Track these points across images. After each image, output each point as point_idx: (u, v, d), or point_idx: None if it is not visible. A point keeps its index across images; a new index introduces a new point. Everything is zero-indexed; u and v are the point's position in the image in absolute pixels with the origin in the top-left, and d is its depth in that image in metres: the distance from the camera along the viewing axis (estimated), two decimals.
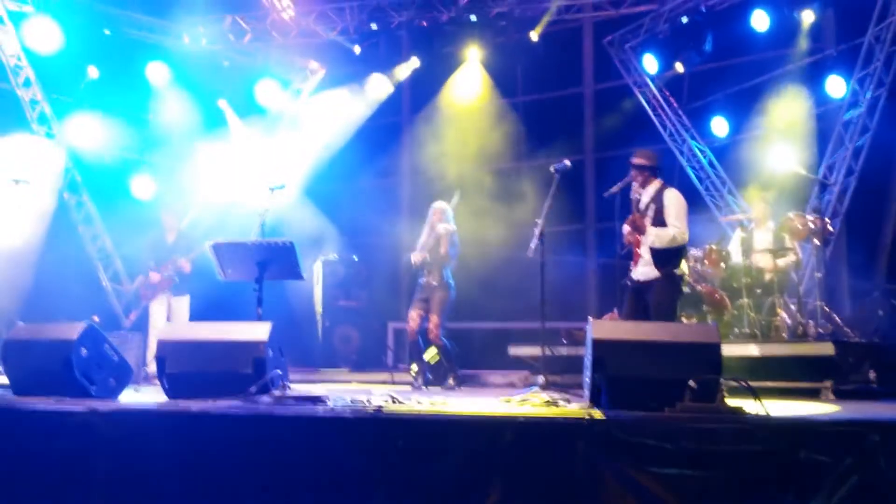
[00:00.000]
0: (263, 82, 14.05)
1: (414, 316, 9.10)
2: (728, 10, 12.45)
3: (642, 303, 7.34)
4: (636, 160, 7.45)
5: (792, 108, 12.57)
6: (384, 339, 12.94)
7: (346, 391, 6.73)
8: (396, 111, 16.75)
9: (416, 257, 9.23)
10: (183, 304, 10.28)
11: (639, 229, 7.22)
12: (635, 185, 7.39)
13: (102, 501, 4.94)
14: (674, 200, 7.22)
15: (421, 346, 9.08)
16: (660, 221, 7.17)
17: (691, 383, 4.51)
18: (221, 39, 13.90)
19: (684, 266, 7.33)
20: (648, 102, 14.12)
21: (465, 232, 9.35)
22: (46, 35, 12.04)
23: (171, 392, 5.83)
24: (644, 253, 7.28)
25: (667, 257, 7.15)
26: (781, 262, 9.50)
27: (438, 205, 9.30)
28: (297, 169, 13.88)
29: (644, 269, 7.30)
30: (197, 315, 10.19)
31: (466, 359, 9.74)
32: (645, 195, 7.38)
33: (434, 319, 8.94)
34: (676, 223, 7.11)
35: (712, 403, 4.52)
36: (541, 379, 7.29)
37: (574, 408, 4.83)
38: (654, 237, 7.10)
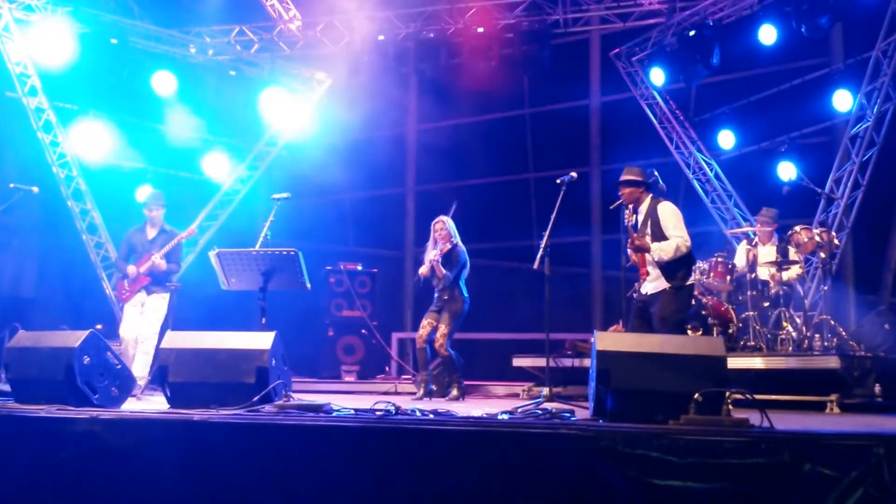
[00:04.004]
0: (270, 92, 14.05)
1: (425, 324, 9.07)
2: (736, 23, 12.47)
3: (648, 317, 7.32)
4: (627, 177, 7.43)
5: (798, 121, 12.60)
6: (388, 348, 12.92)
7: (349, 401, 6.71)
8: (402, 122, 16.80)
9: (422, 269, 9.21)
10: (160, 302, 9.16)
11: (640, 248, 7.19)
12: (627, 212, 7.36)
13: None
14: (668, 211, 7.22)
15: (428, 355, 9.05)
16: (659, 236, 7.15)
17: (696, 396, 4.48)
18: (228, 49, 13.95)
19: (693, 278, 7.31)
20: (655, 115, 14.13)
21: (470, 244, 9.33)
22: (53, 44, 12.08)
23: (173, 401, 5.81)
24: (651, 270, 7.26)
25: (675, 269, 7.14)
26: (786, 275, 9.50)
27: (440, 220, 9.24)
28: (302, 179, 13.89)
29: (652, 284, 7.28)
30: (202, 324, 10.11)
31: (470, 369, 9.72)
32: (639, 213, 7.38)
33: (442, 329, 8.89)
34: (676, 233, 7.10)
35: (717, 416, 4.50)
36: (545, 390, 7.27)
37: (578, 419, 4.80)
38: (658, 252, 7.07)
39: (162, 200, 9.39)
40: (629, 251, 7.38)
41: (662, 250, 7.07)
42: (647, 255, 7.21)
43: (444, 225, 9.14)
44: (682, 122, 14.10)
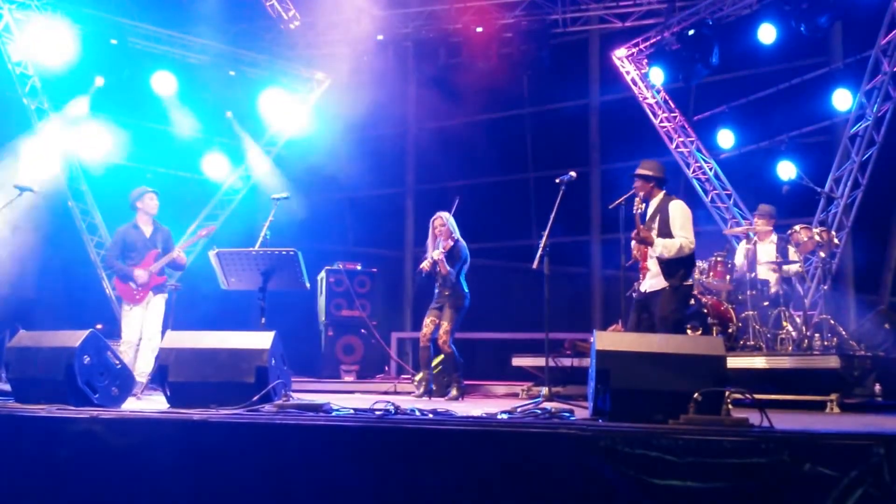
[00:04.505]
0: (269, 92, 14.04)
1: (428, 322, 9.05)
2: (735, 22, 12.49)
3: (647, 315, 7.33)
4: (642, 171, 7.45)
5: (798, 120, 12.60)
6: (387, 348, 12.91)
7: (348, 400, 6.71)
8: (402, 122, 16.79)
9: (425, 264, 9.20)
10: (162, 301, 9.09)
11: (644, 241, 7.20)
12: (637, 200, 7.38)
13: None
14: (679, 211, 7.22)
15: (431, 353, 9.04)
16: (665, 233, 7.16)
17: (696, 395, 4.48)
18: (228, 50, 13.92)
19: (692, 279, 7.35)
20: (654, 114, 14.14)
21: (470, 243, 9.33)
22: (53, 44, 12.07)
23: (173, 400, 5.81)
24: (651, 266, 7.28)
25: (675, 268, 7.16)
26: (787, 267, 9.51)
27: (439, 217, 9.23)
28: (301, 178, 13.90)
29: (652, 282, 7.30)
30: (202, 324, 10.06)
31: (470, 369, 9.72)
32: (650, 207, 7.40)
33: (444, 326, 8.88)
34: (682, 233, 7.10)
35: (717, 416, 4.49)
36: (544, 390, 7.27)
37: (578, 419, 4.80)
38: (661, 248, 7.09)
39: (152, 190, 9.30)
40: (633, 242, 7.40)
41: (665, 247, 7.09)
42: (649, 249, 7.23)
43: (444, 221, 9.13)
44: (682, 121, 14.11)
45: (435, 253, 9.04)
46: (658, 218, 7.29)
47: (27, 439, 5.19)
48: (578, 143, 15.62)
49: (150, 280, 8.97)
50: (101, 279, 12.94)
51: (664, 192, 7.45)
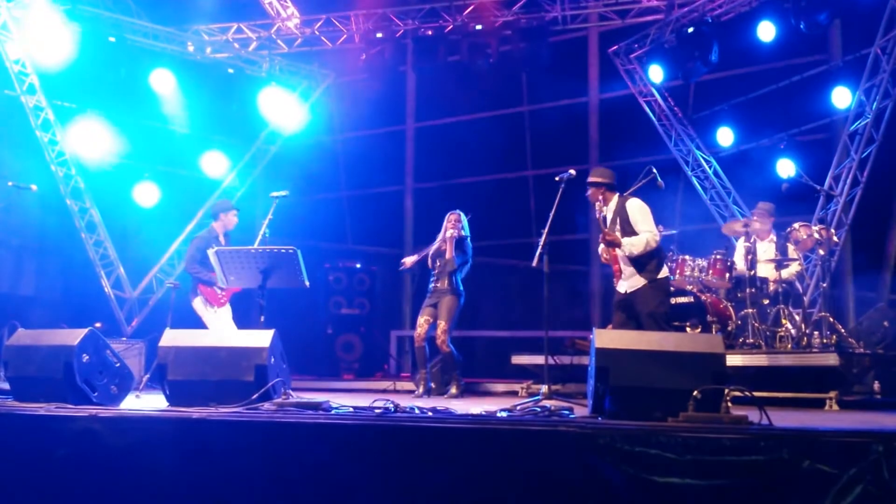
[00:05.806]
0: (268, 90, 14.04)
1: (422, 322, 9.05)
2: (734, 20, 12.47)
3: (631, 314, 7.41)
4: (591, 178, 7.70)
5: (797, 118, 12.59)
6: (387, 346, 12.91)
7: (348, 399, 6.71)
8: (400, 120, 16.78)
9: (408, 259, 9.25)
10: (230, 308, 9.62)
11: (612, 244, 7.34)
12: (598, 205, 7.52)
13: None
14: (637, 207, 7.43)
15: (427, 352, 9.03)
16: (628, 232, 7.37)
17: (695, 393, 4.48)
18: (226, 47, 13.94)
19: (666, 270, 7.46)
20: (653, 112, 14.11)
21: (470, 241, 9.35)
22: (51, 42, 12.04)
23: (172, 399, 5.81)
24: (624, 267, 7.44)
25: (647, 262, 7.35)
26: (785, 272, 9.50)
27: (455, 213, 9.30)
28: (300, 176, 13.89)
29: (629, 282, 7.45)
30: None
31: (469, 367, 9.71)
32: (608, 211, 7.54)
33: (442, 325, 8.87)
34: (645, 227, 7.32)
35: (716, 413, 4.50)
36: (544, 388, 7.26)
37: (577, 417, 4.80)
38: (629, 246, 7.29)
39: (237, 208, 9.76)
40: (600, 248, 7.54)
41: (633, 245, 7.27)
42: (618, 251, 7.34)
43: (459, 217, 9.22)
44: (681, 119, 14.09)
45: (448, 232, 9.07)
46: (619, 219, 7.46)
47: (26, 438, 5.19)
48: (577, 141, 15.60)
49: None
50: (99, 277, 12.93)
51: (618, 194, 7.63)
